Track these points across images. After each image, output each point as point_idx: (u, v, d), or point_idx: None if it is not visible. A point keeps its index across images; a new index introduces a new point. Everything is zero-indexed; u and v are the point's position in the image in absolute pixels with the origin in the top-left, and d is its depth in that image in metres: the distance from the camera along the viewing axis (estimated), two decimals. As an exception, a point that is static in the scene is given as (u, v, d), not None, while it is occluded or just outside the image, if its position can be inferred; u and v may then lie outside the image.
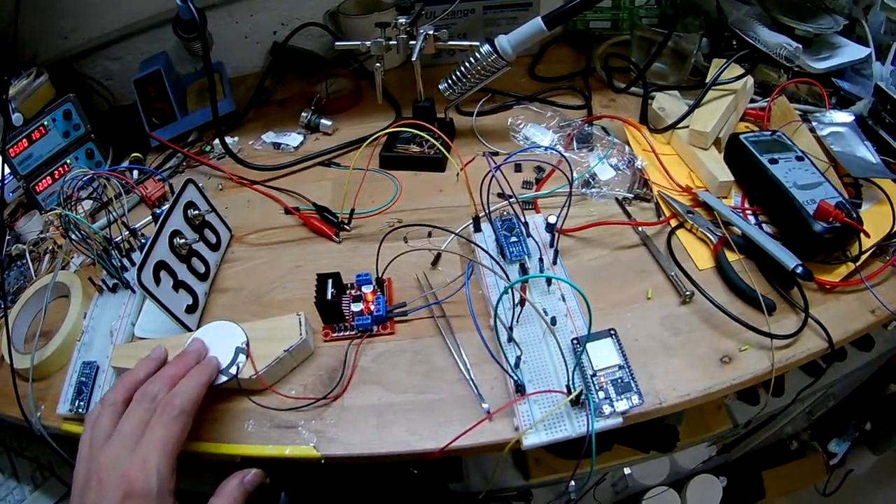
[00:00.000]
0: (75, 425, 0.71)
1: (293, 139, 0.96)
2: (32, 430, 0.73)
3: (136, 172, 0.93)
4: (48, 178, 0.94)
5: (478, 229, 0.74)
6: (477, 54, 0.79)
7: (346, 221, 0.80)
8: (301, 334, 0.67)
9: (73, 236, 0.75)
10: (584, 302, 0.51)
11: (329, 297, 0.70)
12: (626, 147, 0.80)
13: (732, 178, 0.72)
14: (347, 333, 0.70)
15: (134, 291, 0.79)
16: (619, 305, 0.64)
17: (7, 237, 0.90)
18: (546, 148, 0.83)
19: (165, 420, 0.53)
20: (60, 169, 0.95)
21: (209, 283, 0.79)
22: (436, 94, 0.86)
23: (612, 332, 0.59)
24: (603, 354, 0.58)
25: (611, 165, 0.79)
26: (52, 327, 0.79)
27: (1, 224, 0.89)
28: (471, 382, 0.62)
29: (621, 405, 0.55)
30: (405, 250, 0.74)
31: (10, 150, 0.90)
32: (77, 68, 1.05)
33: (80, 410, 0.69)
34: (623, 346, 0.58)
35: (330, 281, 0.71)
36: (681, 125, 0.78)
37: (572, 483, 0.94)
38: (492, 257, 0.68)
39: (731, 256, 0.65)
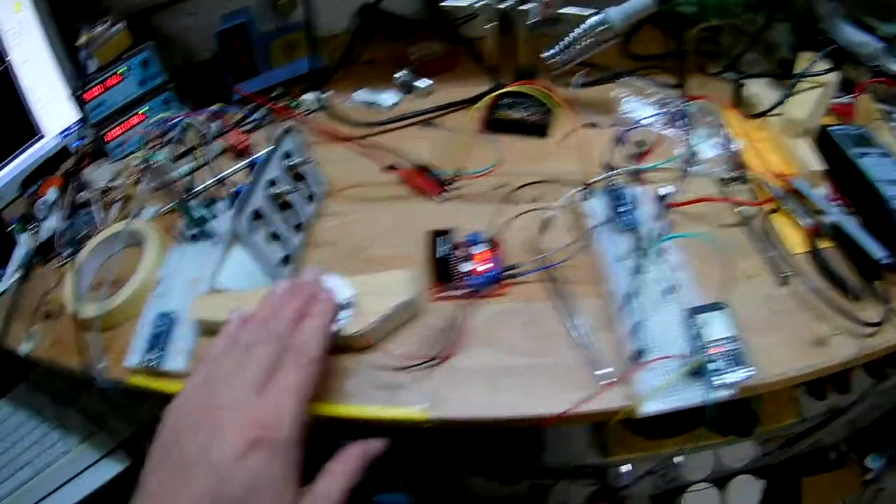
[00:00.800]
0: (145, 378, 0.66)
1: (387, 98, 0.93)
2: (93, 383, 0.68)
3: (213, 125, 0.90)
4: (120, 127, 0.91)
5: (588, 197, 0.72)
6: (586, 25, 0.78)
7: (449, 181, 0.77)
8: (411, 291, 0.63)
9: (153, 183, 0.71)
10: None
11: (444, 254, 0.66)
12: (723, 129, 0.80)
13: (823, 168, 0.73)
14: (458, 293, 0.66)
15: (217, 241, 0.74)
16: (723, 281, 0.63)
17: (72, 184, 0.86)
18: (658, 115, 0.83)
19: (299, 364, 0.49)
20: (134, 118, 0.92)
21: (304, 236, 0.75)
22: (538, 62, 0.85)
23: (724, 305, 0.59)
24: (716, 326, 0.57)
25: (710, 145, 0.79)
26: (122, 277, 0.74)
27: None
28: (588, 348, 0.59)
29: (736, 376, 0.54)
30: (514, 213, 0.71)
31: (84, 96, 0.87)
32: (153, 22, 1.02)
33: (153, 364, 0.65)
34: (735, 319, 0.58)
35: (442, 238, 0.67)
36: (774, 112, 0.80)
37: (679, 458, 0.93)
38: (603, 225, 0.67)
39: (824, 244, 0.67)
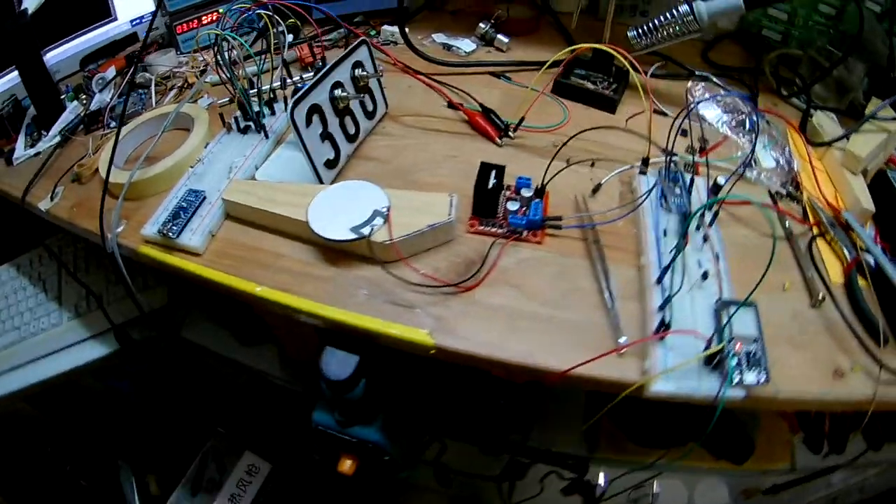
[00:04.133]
0: (155, 251, 0.69)
1: (466, 44, 0.96)
2: (104, 247, 0.71)
3: (290, 37, 0.92)
4: (195, 21, 0.95)
5: (644, 172, 0.73)
6: (674, 11, 0.81)
7: (512, 129, 0.79)
8: (450, 214, 0.64)
9: (222, 72, 0.74)
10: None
11: (490, 186, 0.67)
12: (787, 146, 0.82)
13: (874, 209, 0.74)
14: (495, 230, 0.67)
15: (267, 137, 0.77)
16: (758, 286, 0.62)
17: (134, 66, 0.90)
18: (727, 117, 0.85)
19: None
20: (209, 16, 0.96)
21: (355, 146, 0.77)
22: (619, 45, 0.85)
23: (755, 304, 0.59)
24: (743, 322, 0.58)
25: (772, 156, 0.81)
26: (160, 155, 0.77)
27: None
28: (614, 312, 0.60)
29: (749, 377, 0.55)
30: (566, 168, 0.72)
31: None
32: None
33: (171, 235, 0.67)
34: (761, 323, 0.58)
35: (493, 171, 0.68)
36: (837, 145, 0.81)
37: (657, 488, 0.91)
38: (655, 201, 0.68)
39: (860, 281, 0.67)
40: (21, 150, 0.86)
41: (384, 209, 0.64)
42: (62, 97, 0.90)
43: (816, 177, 0.78)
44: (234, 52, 0.81)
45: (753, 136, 0.81)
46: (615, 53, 0.73)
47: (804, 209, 0.75)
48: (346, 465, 0.74)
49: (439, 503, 1.01)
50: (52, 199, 0.78)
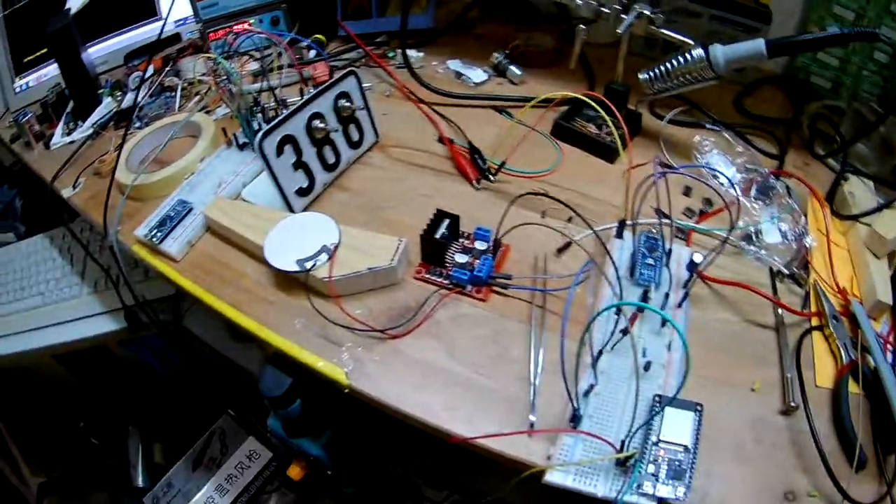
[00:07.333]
0: (143, 251, 0.79)
1: (477, 74, 0.99)
2: (106, 238, 0.82)
3: (313, 52, 1.01)
4: (226, 29, 1.05)
5: (619, 235, 0.73)
6: (688, 55, 0.79)
7: (493, 171, 0.81)
8: (392, 261, 0.69)
9: (224, 87, 0.82)
10: (686, 358, 0.50)
11: (438, 236, 0.71)
12: (803, 218, 0.77)
13: (891, 303, 0.68)
14: (439, 280, 0.71)
15: (258, 156, 0.84)
16: (720, 382, 0.62)
17: (167, 69, 1.00)
18: (737, 179, 0.81)
19: None
20: (241, 25, 1.05)
21: (333, 176, 0.84)
22: (634, 84, 0.86)
23: (699, 408, 0.57)
24: (676, 426, 0.56)
25: (779, 230, 0.76)
26: (168, 160, 0.87)
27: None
28: (532, 388, 0.61)
29: (663, 491, 0.52)
30: (537, 223, 0.74)
31: None
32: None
33: (155, 240, 0.76)
34: (700, 429, 0.56)
35: (447, 221, 0.72)
36: (865, 220, 0.76)
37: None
38: (617, 272, 0.66)
39: (852, 387, 0.62)
40: (59, 136, 0.99)
41: (332, 246, 0.70)
42: (100, 91, 1.02)
43: (832, 256, 0.74)
44: (250, 66, 0.90)
45: (762, 205, 0.78)
46: (610, 120, 0.73)
47: (807, 294, 0.71)
48: (295, 472, 0.83)
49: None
50: (73, 187, 0.90)
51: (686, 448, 0.55)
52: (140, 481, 1.19)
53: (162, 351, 1.18)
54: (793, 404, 0.60)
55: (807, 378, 0.62)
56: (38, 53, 1.11)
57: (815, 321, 0.68)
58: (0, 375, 1.20)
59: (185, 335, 1.06)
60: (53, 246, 1.15)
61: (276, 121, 0.74)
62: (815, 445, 0.56)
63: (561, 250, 0.74)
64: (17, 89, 1.12)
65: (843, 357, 0.64)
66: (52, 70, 1.10)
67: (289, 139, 0.75)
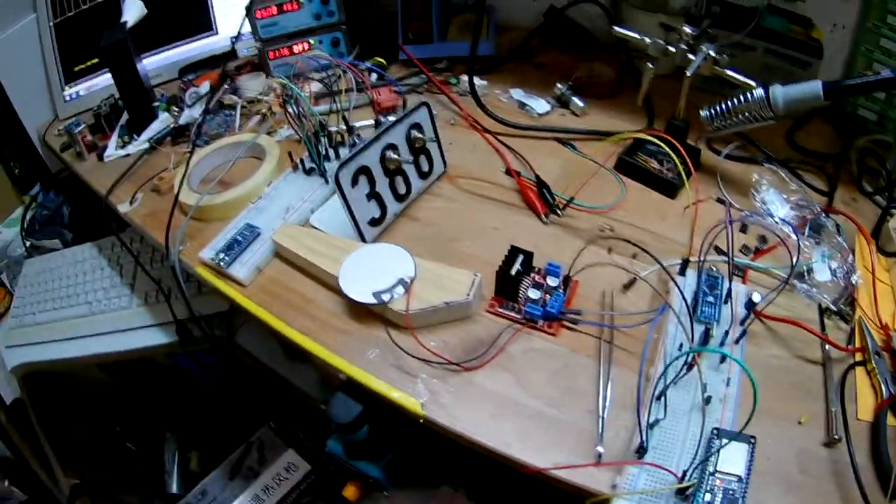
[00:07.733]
0: (208, 273, 0.80)
1: (540, 105, 1.01)
2: (167, 258, 0.83)
3: (374, 76, 1.02)
4: (286, 49, 1.06)
5: (682, 272, 0.75)
6: (749, 95, 0.81)
7: (561, 206, 0.83)
8: (468, 295, 0.70)
9: (291, 110, 0.83)
10: (753, 395, 0.52)
11: (514, 272, 0.72)
12: (851, 256, 0.79)
13: None
14: (512, 315, 0.72)
15: (327, 182, 0.86)
16: (770, 415, 0.63)
17: (225, 86, 1.01)
18: (791, 216, 0.83)
19: None
20: (300, 46, 1.06)
21: (404, 206, 0.85)
22: (693, 119, 0.88)
23: (752, 440, 0.60)
24: (731, 458, 0.58)
25: (829, 268, 0.78)
26: (230, 182, 0.89)
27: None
28: (600, 420, 0.63)
29: None
30: (604, 261, 0.76)
31: (258, 11, 1.03)
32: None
33: (222, 263, 0.78)
34: (753, 460, 0.59)
35: (521, 257, 0.74)
36: None
37: None
38: (689, 311, 0.69)
39: (891, 421, 0.64)
40: (112, 148, 1.01)
41: (408, 279, 0.71)
42: (155, 105, 1.03)
43: (876, 292, 0.76)
44: (310, 89, 0.91)
45: (813, 242, 0.80)
46: (674, 155, 0.75)
47: (852, 330, 0.73)
48: (350, 492, 0.84)
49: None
50: (130, 203, 0.92)
51: (740, 478, 0.57)
52: (174, 488, 1.20)
53: (206, 362, 1.19)
54: (836, 437, 0.62)
55: (849, 411, 0.64)
56: (89, 63, 1.13)
57: (858, 356, 0.70)
58: (39, 377, 1.21)
59: (235, 349, 1.07)
60: (102, 255, 1.16)
61: (353, 153, 0.75)
62: (853, 476, 0.59)
63: (627, 286, 0.75)
64: (67, 98, 1.14)
65: (884, 391, 0.66)
66: (103, 80, 1.12)
67: (364, 170, 0.77)
